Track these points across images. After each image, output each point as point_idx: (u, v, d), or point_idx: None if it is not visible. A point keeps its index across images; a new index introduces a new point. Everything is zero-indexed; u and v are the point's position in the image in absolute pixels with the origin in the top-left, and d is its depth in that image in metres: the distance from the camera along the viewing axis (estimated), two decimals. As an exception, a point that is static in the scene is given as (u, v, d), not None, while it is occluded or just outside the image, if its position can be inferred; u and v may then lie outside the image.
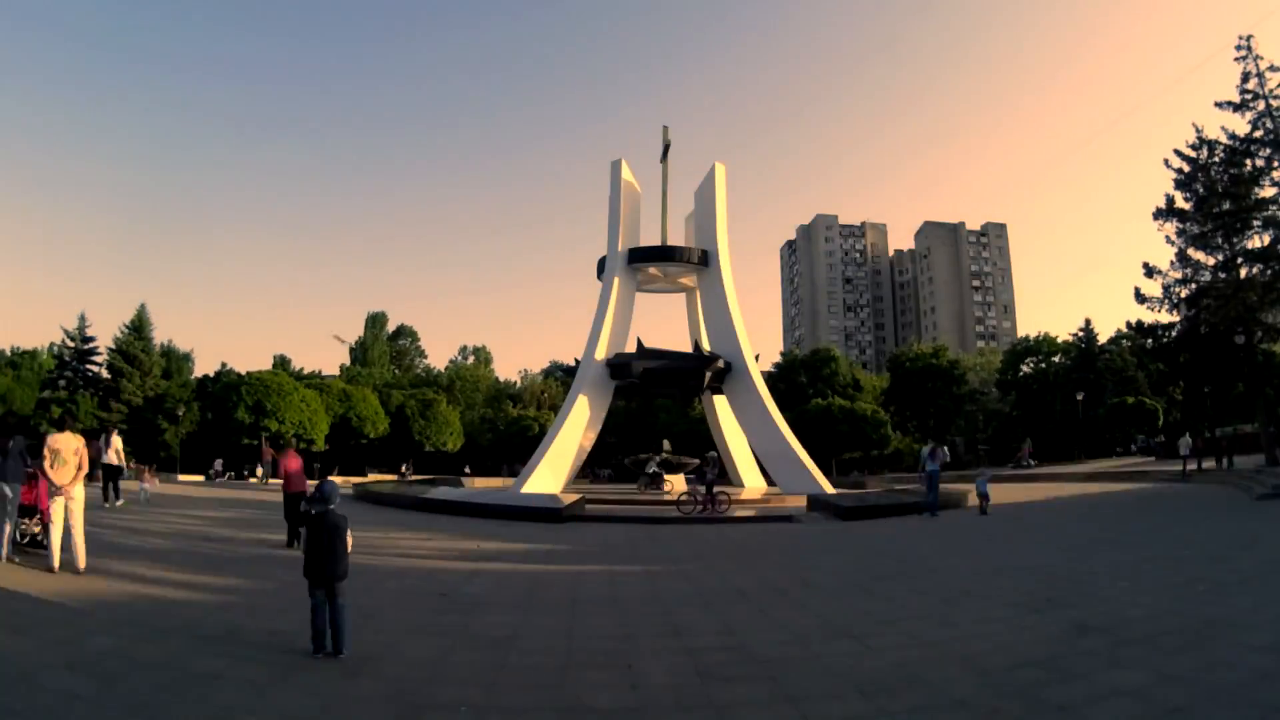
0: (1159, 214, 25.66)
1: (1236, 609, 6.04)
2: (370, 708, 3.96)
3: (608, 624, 6.11)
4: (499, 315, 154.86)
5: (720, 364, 26.76)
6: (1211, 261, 24.86)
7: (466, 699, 4.09)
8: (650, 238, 30.10)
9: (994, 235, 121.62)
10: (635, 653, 5.13)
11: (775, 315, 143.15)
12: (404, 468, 47.80)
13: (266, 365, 65.17)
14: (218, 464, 40.86)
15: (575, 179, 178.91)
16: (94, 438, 13.97)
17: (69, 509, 7.27)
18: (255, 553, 10.03)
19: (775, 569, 9.56)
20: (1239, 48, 24.02)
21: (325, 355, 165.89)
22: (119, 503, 15.26)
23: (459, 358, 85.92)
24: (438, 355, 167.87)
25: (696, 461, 29.88)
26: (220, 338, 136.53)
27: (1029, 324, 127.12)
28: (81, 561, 7.30)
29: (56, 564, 7.19)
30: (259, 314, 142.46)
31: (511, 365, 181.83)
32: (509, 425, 60.25)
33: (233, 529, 12.94)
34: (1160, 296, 25.76)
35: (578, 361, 29.22)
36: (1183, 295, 25.34)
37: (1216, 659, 4.61)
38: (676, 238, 31.74)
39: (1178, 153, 25.28)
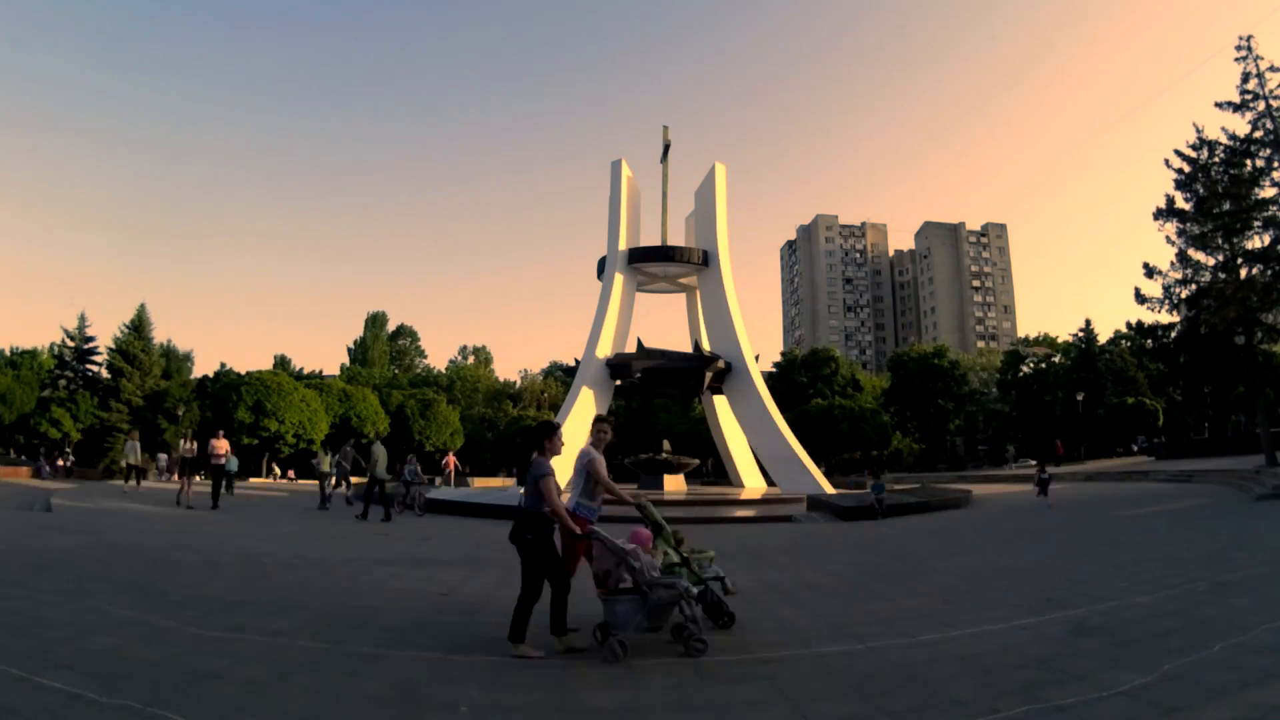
0: (1159, 214, 25.61)
1: (1236, 609, 6.03)
2: (370, 708, 3.96)
3: (608, 624, 6.08)
4: (499, 315, 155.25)
5: (720, 364, 26.75)
6: (1211, 262, 24.79)
7: (466, 699, 4.09)
8: (650, 238, 30.12)
9: (994, 235, 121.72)
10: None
11: (775, 315, 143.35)
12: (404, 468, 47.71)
13: (266, 365, 65.25)
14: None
15: (576, 179, 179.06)
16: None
17: None
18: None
19: (775, 569, 9.55)
20: (1239, 48, 23.98)
21: (325, 355, 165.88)
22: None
23: (459, 358, 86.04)
24: (438, 355, 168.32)
25: (696, 461, 29.80)
26: (220, 338, 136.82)
27: (1029, 324, 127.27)
28: None
29: None
30: (259, 314, 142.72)
31: (511, 365, 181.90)
32: (509, 425, 60.31)
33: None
34: (1160, 297, 25.67)
35: (578, 361, 29.20)
36: (1183, 296, 25.26)
37: (1216, 659, 4.61)
38: (677, 238, 31.75)
39: (1178, 153, 25.24)
